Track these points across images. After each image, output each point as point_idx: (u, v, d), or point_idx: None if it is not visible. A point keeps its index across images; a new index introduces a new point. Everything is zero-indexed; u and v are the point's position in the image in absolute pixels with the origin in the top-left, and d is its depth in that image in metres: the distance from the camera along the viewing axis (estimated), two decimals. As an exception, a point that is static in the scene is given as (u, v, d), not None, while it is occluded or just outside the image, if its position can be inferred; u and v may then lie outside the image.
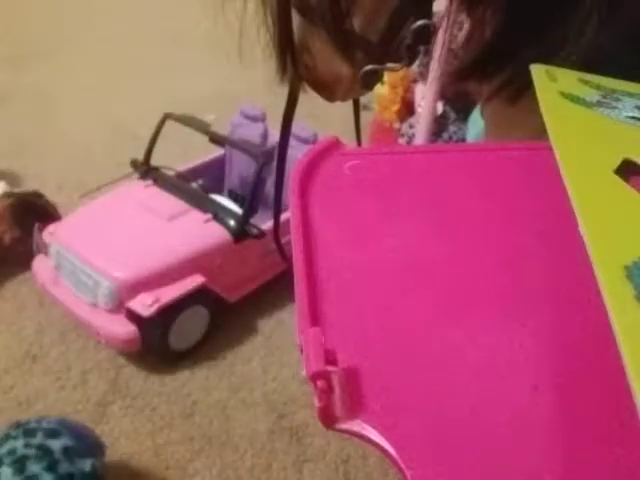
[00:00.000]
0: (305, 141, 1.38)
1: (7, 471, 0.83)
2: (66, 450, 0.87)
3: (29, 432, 0.88)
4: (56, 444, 0.87)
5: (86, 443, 0.92)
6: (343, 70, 0.53)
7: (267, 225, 1.29)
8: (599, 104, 0.37)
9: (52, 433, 0.88)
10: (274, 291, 1.39)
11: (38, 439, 0.87)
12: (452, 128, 1.69)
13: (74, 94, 2.16)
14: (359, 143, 0.74)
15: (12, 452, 0.85)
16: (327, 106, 0.60)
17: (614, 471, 0.26)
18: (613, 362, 0.22)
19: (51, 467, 0.84)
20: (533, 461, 0.26)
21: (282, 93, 0.56)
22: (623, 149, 0.31)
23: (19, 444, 0.86)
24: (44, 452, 0.85)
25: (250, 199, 1.31)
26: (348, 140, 0.46)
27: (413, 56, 0.52)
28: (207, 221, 1.31)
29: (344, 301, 0.33)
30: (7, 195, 1.52)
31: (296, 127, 0.97)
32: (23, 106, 2.10)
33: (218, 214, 1.31)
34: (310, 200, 0.39)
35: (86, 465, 0.87)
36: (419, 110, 1.65)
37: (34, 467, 0.83)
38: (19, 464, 0.84)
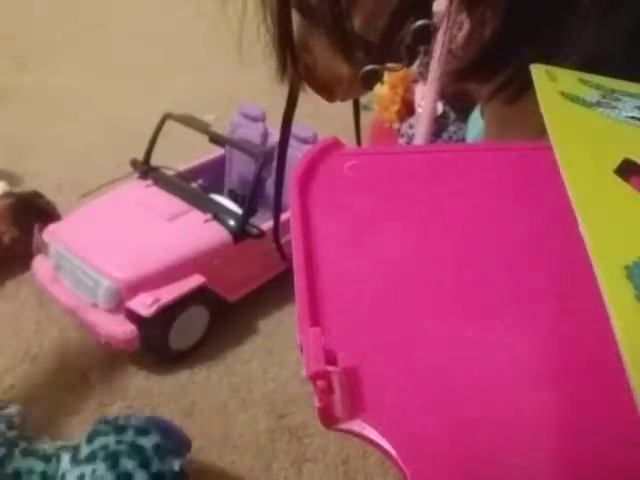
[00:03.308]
0: (305, 141, 1.38)
1: (101, 466, 0.83)
2: (157, 448, 0.86)
3: (120, 429, 0.88)
4: (147, 442, 0.86)
5: (174, 441, 0.92)
6: (343, 70, 0.53)
7: (267, 225, 1.29)
8: (599, 104, 0.37)
9: (142, 431, 0.88)
10: (274, 291, 1.39)
11: (129, 436, 0.86)
12: (452, 128, 1.69)
13: (74, 94, 2.16)
14: (359, 143, 0.74)
15: (104, 447, 0.85)
16: (327, 106, 0.60)
17: (614, 471, 0.26)
18: (613, 362, 0.22)
19: (144, 465, 0.84)
20: (534, 461, 0.27)
21: (282, 93, 0.56)
22: (623, 149, 0.31)
23: (111, 440, 0.86)
24: (136, 450, 0.85)
25: (250, 199, 1.31)
26: (348, 140, 0.46)
27: (413, 56, 0.52)
28: (207, 221, 1.30)
29: (344, 301, 0.33)
30: (7, 195, 1.52)
31: (296, 127, 0.97)
32: (23, 106, 2.10)
33: (218, 214, 1.31)
34: (310, 200, 0.39)
35: (175, 464, 0.87)
36: (419, 110, 1.65)
37: (128, 464, 0.83)
38: (112, 460, 0.83)
